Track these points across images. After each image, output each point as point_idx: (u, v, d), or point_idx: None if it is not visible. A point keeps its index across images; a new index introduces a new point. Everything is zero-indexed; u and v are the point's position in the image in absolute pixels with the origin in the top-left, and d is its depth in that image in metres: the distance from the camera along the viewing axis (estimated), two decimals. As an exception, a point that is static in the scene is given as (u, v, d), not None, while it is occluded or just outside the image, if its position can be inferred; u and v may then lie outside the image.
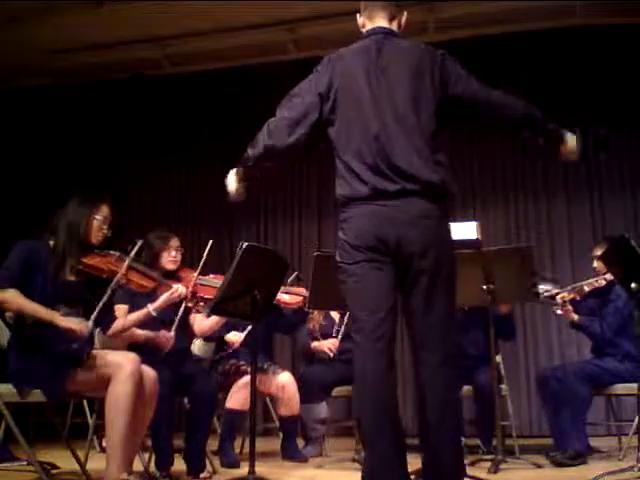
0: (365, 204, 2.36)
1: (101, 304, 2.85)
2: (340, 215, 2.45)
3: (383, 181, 2.35)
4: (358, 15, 2.63)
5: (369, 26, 2.58)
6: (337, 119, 2.46)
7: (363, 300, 2.36)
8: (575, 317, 4.12)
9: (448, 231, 2.44)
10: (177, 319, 3.49)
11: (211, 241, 3.59)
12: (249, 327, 4.10)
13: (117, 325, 3.28)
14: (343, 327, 4.36)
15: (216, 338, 4.31)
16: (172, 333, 3.48)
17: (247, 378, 3.96)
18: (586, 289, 4.09)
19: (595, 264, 4.17)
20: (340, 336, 4.39)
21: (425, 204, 2.35)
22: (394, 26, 2.58)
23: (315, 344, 4.49)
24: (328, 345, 4.41)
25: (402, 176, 2.34)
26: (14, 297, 2.80)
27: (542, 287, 4.11)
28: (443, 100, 2.45)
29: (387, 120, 2.39)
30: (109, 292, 2.89)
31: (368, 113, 2.41)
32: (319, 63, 2.55)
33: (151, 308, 3.38)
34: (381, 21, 2.56)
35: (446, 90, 2.45)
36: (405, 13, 2.61)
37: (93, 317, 2.81)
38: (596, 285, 4.07)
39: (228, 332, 4.25)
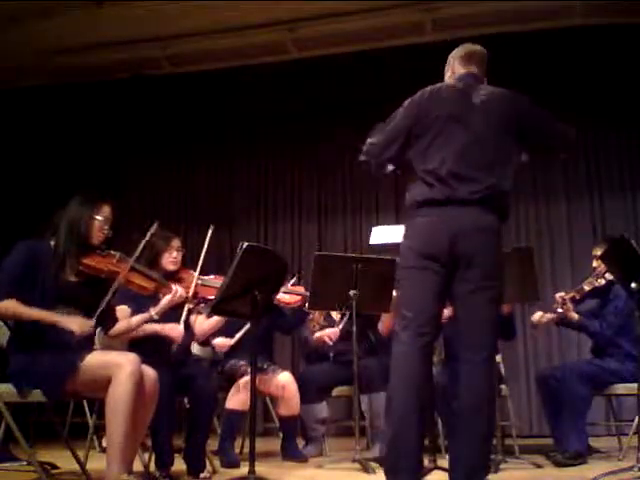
0: (431, 211, 2.58)
1: (104, 304, 2.85)
2: (406, 221, 2.69)
3: (449, 188, 2.57)
4: (451, 58, 2.86)
5: (462, 71, 2.80)
6: (418, 142, 2.68)
7: (413, 300, 2.59)
8: (575, 316, 4.11)
9: (500, 244, 2.65)
10: (184, 314, 3.49)
11: (211, 228, 3.63)
12: (241, 331, 4.13)
13: (121, 326, 3.27)
14: (343, 322, 4.36)
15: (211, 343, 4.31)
16: (181, 326, 3.48)
17: (247, 378, 3.96)
18: (586, 288, 4.09)
19: (595, 264, 4.17)
20: (340, 327, 4.39)
21: (485, 215, 2.59)
22: (481, 74, 2.83)
23: (316, 335, 4.48)
24: (328, 334, 4.42)
25: (468, 182, 2.57)
26: (10, 307, 2.80)
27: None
28: (519, 140, 2.70)
29: (465, 143, 2.62)
30: (111, 292, 2.90)
31: (450, 138, 2.63)
32: (410, 98, 2.77)
33: (153, 312, 3.36)
34: (474, 69, 2.80)
35: (524, 137, 2.71)
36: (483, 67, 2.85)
37: (96, 315, 2.82)
38: (595, 285, 4.06)
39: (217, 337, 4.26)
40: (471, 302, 2.56)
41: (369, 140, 2.79)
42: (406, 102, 2.78)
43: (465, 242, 2.54)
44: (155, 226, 3.17)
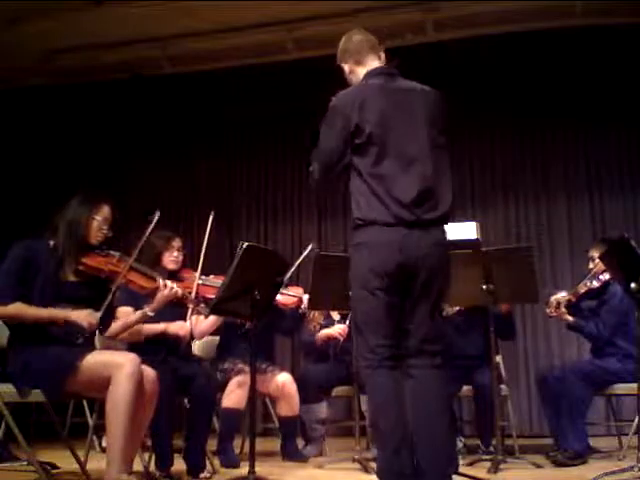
0: (381, 230, 2.51)
1: (106, 304, 2.85)
2: (354, 238, 2.58)
3: (407, 214, 2.51)
4: (344, 64, 2.77)
5: (362, 70, 2.72)
6: (367, 152, 2.57)
7: (373, 325, 2.54)
8: (570, 318, 4.11)
9: (448, 254, 2.62)
10: (190, 310, 3.49)
11: (212, 215, 3.63)
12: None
13: (115, 327, 3.27)
14: (348, 319, 4.35)
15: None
16: (187, 323, 3.48)
17: (240, 377, 3.96)
18: (581, 291, 4.09)
19: (591, 265, 4.17)
20: (347, 322, 4.37)
21: (438, 233, 2.56)
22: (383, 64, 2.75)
23: (324, 331, 4.45)
24: (338, 330, 4.40)
25: (424, 209, 2.52)
26: (17, 312, 2.82)
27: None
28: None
29: (412, 156, 2.57)
30: (112, 292, 2.90)
31: (399, 150, 2.56)
32: (337, 104, 2.65)
33: (147, 309, 3.36)
34: (374, 62, 2.73)
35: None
36: (383, 48, 2.78)
37: (103, 308, 2.83)
38: (590, 286, 4.06)
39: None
40: (426, 302, 2.54)
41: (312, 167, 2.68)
42: (333, 111, 2.64)
43: (420, 261, 2.50)
44: (157, 216, 3.07)
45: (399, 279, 2.51)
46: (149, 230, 3.08)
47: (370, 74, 2.70)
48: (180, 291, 3.32)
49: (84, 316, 2.80)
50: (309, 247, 4.31)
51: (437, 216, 2.55)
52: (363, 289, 2.54)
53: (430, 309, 2.56)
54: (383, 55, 2.78)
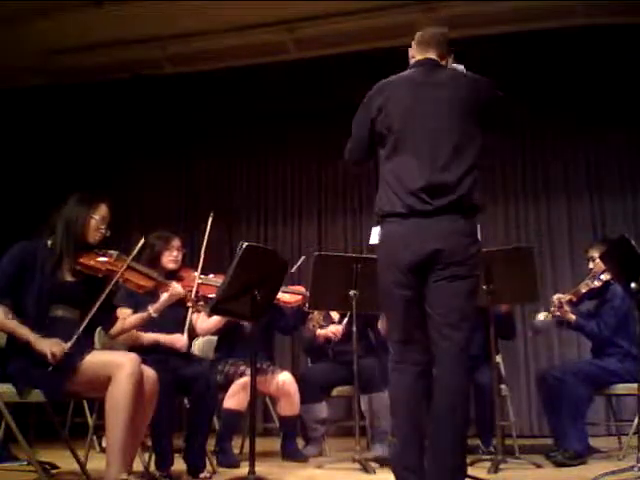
0: (398, 222, 2.56)
1: (95, 307, 2.83)
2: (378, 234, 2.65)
3: (418, 202, 2.53)
4: (410, 49, 2.82)
5: (419, 57, 2.76)
6: (387, 143, 2.64)
7: (396, 321, 2.61)
8: (572, 318, 4.11)
9: (474, 243, 2.58)
10: (187, 322, 3.50)
11: (211, 216, 3.66)
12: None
13: (117, 327, 3.28)
14: (347, 318, 4.35)
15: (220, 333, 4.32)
16: (185, 336, 3.49)
17: (245, 379, 3.96)
18: (582, 290, 4.09)
19: (591, 265, 4.17)
20: (343, 323, 4.38)
21: (452, 222, 2.53)
22: (442, 62, 2.77)
23: (319, 331, 4.50)
24: (332, 330, 4.43)
25: (435, 196, 2.52)
26: None
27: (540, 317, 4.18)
28: (480, 123, 2.64)
29: (428, 146, 2.57)
30: (106, 292, 2.89)
31: (414, 141, 2.59)
32: (371, 90, 2.75)
33: (151, 310, 3.39)
34: (431, 55, 2.75)
35: (482, 118, 2.65)
36: (452, 56, 2.80)
37: (75, 336, 2.74)
38: (591, 286, 4.07)
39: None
40: (442, 287, 2.52)
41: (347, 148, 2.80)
42: (364, 100, 2.74)
43: (432, 252, 2.50)
44: (139, 245, 3.09)
45: (413, 272, 2.53)
46: (131, 257, 3.05)
47: (414, 64, 2.76)
48: (184, 292, 3.35)
49: (49, 345, 2.70)
50: (301, 259, 4.37)
51: (448, 202, 2.51)
52: (383, 284, 2.61)
53: (448, 296, 2.51)
54: (447, 59, 2.78)
